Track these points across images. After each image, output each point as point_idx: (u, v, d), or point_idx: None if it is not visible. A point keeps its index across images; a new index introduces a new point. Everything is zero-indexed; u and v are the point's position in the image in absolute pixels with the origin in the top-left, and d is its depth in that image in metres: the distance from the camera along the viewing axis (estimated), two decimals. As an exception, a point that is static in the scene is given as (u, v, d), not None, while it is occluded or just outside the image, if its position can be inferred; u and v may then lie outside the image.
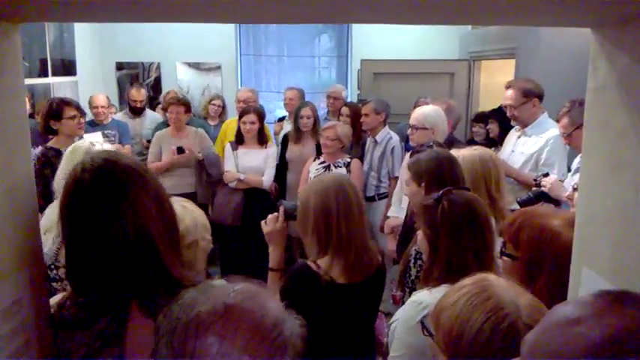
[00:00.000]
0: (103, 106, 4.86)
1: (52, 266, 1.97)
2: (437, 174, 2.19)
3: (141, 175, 1.18)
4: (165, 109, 4.44)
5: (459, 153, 2.40)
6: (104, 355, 1.09)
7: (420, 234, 1.82)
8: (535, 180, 2.92)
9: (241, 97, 5.01)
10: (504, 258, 1.42)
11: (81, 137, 3.28)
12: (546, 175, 2.89)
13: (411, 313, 1.59)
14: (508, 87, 3.39)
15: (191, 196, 3.87)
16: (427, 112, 3.43)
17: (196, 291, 0.82)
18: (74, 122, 3.32)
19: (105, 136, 4.12)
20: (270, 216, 2.12)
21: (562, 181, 2.82)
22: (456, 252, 1.63)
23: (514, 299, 1.03)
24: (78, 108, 3.44)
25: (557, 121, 2.98)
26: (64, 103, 3.35)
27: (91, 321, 1.11)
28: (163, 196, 1.20)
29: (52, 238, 1.99)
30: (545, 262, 1.34)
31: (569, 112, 2.82)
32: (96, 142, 2.26)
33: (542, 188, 2.86)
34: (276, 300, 0.84)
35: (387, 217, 3.73)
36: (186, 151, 4.28)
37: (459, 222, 1.67)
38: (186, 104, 4.50)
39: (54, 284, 1.93)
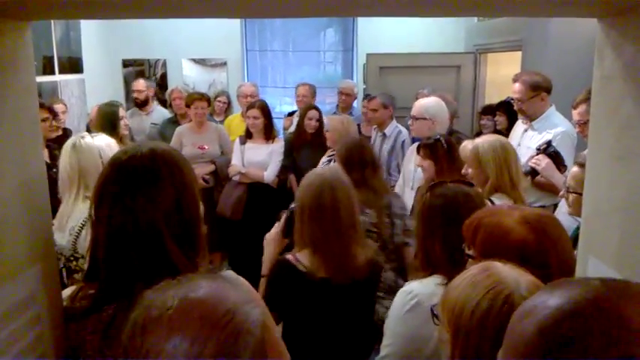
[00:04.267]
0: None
1: (72, 257, 1.99)
2: (346, 157, 2.67)
3: (173, 167, 1.20)
4: (188, 106, 4.51)
5: (478, 140, 2.46)
6: (118, 343, 1.11)
7: None
8: (538, 149, 2.92)
9: (247, 91, 5.04)
10: (468, 259, 1.38)
11: (52, 140, 3.30)
12: (549, 144, 2.89)
13: (399, 302, 1.60)
14: (515, 80, 3.32)
15: (208, 191, 4.14)
16: (427, 102, 3.47)
17: (153, 290, 0.79)
18: (45, 125, 3.29)
19: None
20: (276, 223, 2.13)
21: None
22: (430, 245, 1.66)
23: (515, 277, 1.04)
24: (50, 110, 3.43)
25: (574, 107, 2.87)
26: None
27: (101, 307, 1.13)
28: (190, 193, 1.21)
29: (69, 230, 2.02)
30: (494, 260, 1.28)
31: (589, 99, 2.77)
32: (85, 134, 2.26)
33: (536, 166, 2.87)
34: (239, 289, 0.81)
35: None
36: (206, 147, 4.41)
37: (435, 216, 1.69)
38: (208, 100, 4.59)
39: (75, 276, 1.95)
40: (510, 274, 1.05)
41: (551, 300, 0.62)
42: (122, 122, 3.62)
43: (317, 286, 1.85)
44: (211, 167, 4.38)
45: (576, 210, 1.96)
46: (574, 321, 0.58)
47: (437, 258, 1.63)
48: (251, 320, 0.74)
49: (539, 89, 3.21)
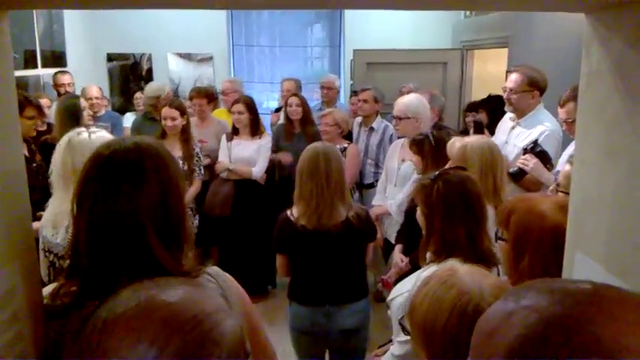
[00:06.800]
0: (97, 97, 4.87)
1: (65, 256, 1.94)
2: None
3: (158, 164, 1.17)
4: (190, 100, 4.66)
5: (467, 139, 2.46)
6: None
7: (418, 211, 1.97)
8: (525, 148, 2.94)
9: (222, 88, 5.07)
10: (500, 242, 1.46)
11: (31, 138, 3.21)
12: (535, 143, 2.91)
13: None
14: (515, 70, 3.27)
15: (203, 185, 4.12)
16: (409, 101, 3.45)
17: (128, 288, 0.76)
18: (30, 123, 3.16)
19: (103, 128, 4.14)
20: None
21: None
22: (449, 229, 1.77)
23: (478, 282, 1.06)
24: (39, 109, 3.31)
25: (561, 106, 2.86)
26: (27, 101, 3.15)
27: (83, 303, 1.11)
28: (175, 189, 1.19)
29: (65, 228, 1.97)
30: (528, 243, 1.35)
31: (576, 97, 2.75)
32: (93, 130, 2.16)
33: (524, 167, 2.89)
34: (213, 297, 0.77)
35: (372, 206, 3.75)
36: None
37: (452, 201, 1.80)
38: (208, 95, 4.67)
39: None
40: (472, 279, 1.07)
41: (517, 317, 0.59)
42: (85, 113, 3.59)
43: (300, 231, 2.41)
44: (207, 160, 4.34)
45: None
46: (542, 345, 0.55)
47: (458, 242, 1.73)
48: (220, 330, 0.69)
49: (534, 87, 3.19)
